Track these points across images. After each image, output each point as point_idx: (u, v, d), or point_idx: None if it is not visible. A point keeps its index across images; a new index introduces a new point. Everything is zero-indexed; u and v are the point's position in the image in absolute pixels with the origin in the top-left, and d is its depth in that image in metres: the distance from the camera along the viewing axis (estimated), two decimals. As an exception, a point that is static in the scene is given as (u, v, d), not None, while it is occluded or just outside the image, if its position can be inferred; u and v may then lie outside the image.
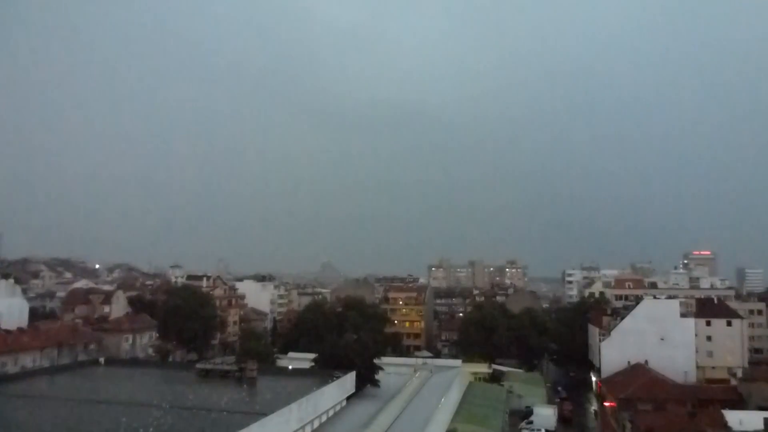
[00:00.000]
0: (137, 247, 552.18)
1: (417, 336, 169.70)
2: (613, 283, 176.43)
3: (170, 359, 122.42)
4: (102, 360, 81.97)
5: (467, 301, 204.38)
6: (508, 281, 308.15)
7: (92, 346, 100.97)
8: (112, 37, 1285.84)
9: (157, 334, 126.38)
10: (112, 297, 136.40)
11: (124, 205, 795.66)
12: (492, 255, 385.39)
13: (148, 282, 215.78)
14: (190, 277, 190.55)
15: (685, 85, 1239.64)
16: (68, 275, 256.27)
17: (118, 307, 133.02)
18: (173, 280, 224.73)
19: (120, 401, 53.86)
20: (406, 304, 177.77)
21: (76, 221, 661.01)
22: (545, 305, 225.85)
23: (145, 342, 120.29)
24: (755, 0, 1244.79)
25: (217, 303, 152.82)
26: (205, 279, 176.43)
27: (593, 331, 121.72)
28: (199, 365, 75.04)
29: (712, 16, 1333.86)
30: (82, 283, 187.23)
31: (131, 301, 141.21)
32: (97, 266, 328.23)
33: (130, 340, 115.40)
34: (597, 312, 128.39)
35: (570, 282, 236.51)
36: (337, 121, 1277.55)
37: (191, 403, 53.11)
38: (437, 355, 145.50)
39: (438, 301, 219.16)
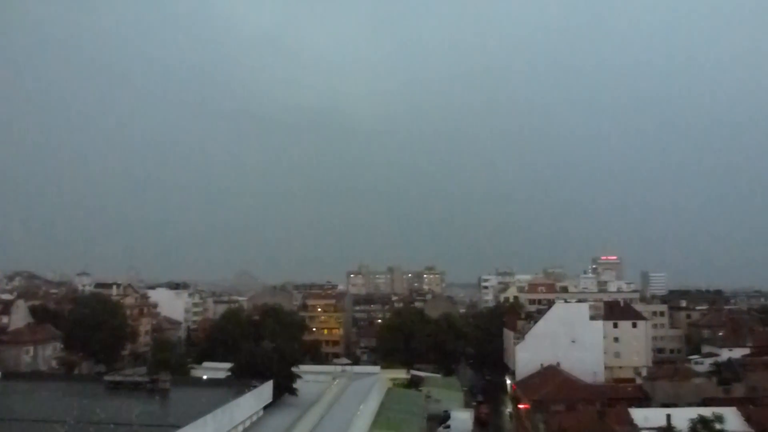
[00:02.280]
0: (41, 253, 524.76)
1: (336, 343, 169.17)
2: (526, 288, 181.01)
3: (76, 372, 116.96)
4: (-1, 374, 77.25)
5: (386, 307, 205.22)
6: (426, 287, 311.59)
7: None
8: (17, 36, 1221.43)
9: (62, 346, 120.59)
10: (11, 306, 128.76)
11: (26, 209, 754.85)
12: (410, 261, 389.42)
13: (53, 290, 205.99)
14: (98, 285, 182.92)
15: (596, 88, 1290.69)
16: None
17: (18, 318, 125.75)
18: (80, 288, 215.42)
19: (19, 418, 50.51)
20: (324, 312, 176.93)
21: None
22: (462, 310, 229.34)
23: (48, 354, 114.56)
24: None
25: (128, 312, 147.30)
26: (114, 287, 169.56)
27: (508, 335, 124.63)
28: (107, 377, 71.60)
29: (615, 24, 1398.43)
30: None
31: (33, 311, 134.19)
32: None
33: (31, 353, 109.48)
34: (512, 316, 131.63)
35: (486, 287, 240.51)
36: (253, 126, 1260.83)
37: (99, 418, 50.54)
38: (356, 362, 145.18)
39: (357, 307, 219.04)
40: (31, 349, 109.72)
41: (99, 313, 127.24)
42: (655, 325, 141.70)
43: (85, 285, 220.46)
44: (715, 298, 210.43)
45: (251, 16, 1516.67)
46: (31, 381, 77.08)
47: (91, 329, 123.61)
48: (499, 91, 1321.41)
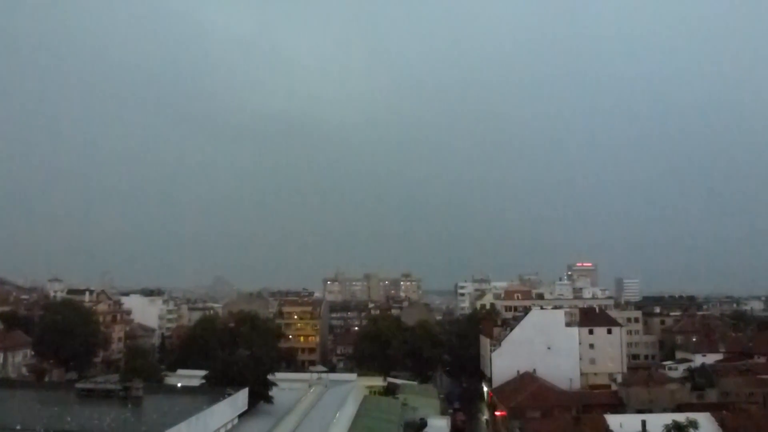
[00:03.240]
0: (12, 259, 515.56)
1: (312, 350, 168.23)
2: (503, 295, 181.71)
3: (47, 379, 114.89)
4: (-34, 382, 75.47)
5: (363, 314, 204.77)
6: (402, 294, 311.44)
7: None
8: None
9: (33, 353, 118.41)
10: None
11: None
12: (387, 268, 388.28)
13: (24, 296, 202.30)
14: (71, 292, 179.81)
15: (568, 99, 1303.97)
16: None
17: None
18: (52, 294, 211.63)
19: (-13, 427, 49.43)
20: (301, 319, 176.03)
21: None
22: (439, 317, 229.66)
23: (18, 361, 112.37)
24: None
25: (101, 319, 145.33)
26: (87, 293, 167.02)
27: (485, 342, 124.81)
28: (79, 385, 70.22)
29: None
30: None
31: (3, 317, 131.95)
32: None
33: (1, 359, 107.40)
34: (488, 323, 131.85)
35: (462, 294, 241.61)
36: (228, 131, 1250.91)
37: (69, 426, 49.48)
38: (332, 369, 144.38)
39: (334, 314, 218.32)
40: (1, 356, 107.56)
41: (71, 320, 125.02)
42: (629, 332, 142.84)
43: (57, 291, 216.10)
44: (688, 304, 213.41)
45: (226, 21, 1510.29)
46: (1, 388, 75.36)
47: (63, 336, 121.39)
48: (476, 99, 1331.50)
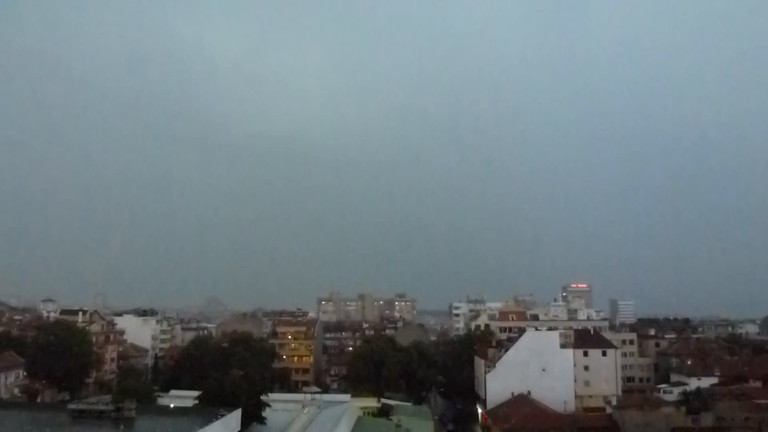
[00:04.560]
0: (4, 279, 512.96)
1: (306, 371, 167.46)
2: (497, 316, 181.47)
3: (39, 400, 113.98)
4: (-42, 402, 74.84)
5: (357, 335, 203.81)
6: (397, 314, 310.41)
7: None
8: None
9: (25, 373, 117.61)
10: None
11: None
12: (381, 288, 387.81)
13: (17, 317, 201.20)
14: (64, 312, 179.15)
15: (563, 119, 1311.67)
16: None
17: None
18: (45, 314, 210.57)
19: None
20: (295, 339, 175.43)
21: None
22: (433, 338, 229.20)
23: (10, 382, 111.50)
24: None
25: (94, 339, 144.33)
26: (80, 314, 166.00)
27: (479, 363, 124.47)
28: (71, 405, 69.60)
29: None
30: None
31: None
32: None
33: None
34: (483, 344, 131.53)
35: (457, 315, 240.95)
36: (220, 153, 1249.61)
37: (60, 448, 49.25)
38: (326, 390, 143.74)
39: (327, 335, 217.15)
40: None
41: (63, 340, 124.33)
42: (624, 354, 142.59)
43: (50, 311, 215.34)
44: (683, 326, 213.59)
45: (220, 43, 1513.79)
46: (-9, 409, 74.76)
47: (56, 356, 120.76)
48: (467, 121, 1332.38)
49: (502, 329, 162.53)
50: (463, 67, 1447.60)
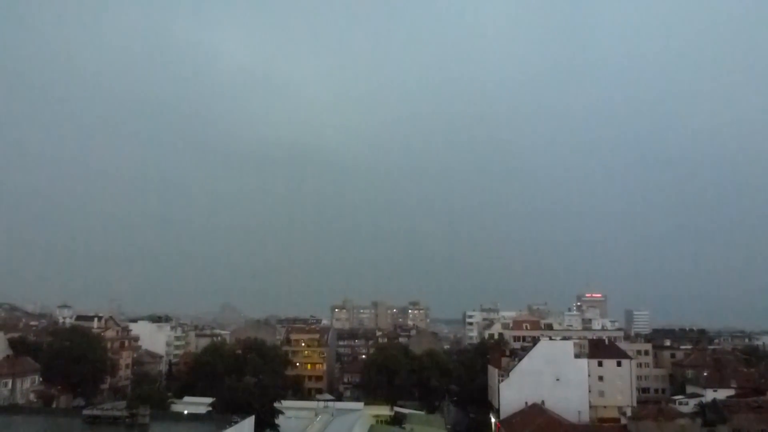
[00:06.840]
0: (22, 285, 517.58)
1: (319, 378, 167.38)
2: (511, 325, 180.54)
3: (55, 405, 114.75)
4: (-25, 407, 75.60)
5: (370, 342, 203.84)
6: (410, 322, 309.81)
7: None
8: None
9: (41, 379, 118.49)
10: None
11: (6, 240, 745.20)
12: (395, 296, 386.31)
13: (33, 323, 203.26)
14: (79, 318, 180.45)
15: (578, 128, 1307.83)
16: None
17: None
18: (61, 320, 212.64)
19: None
20: (308, 346, 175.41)
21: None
22: (447, 346, 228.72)
23: (26, 387, 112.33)
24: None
25: (109, 345, 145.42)
26: (96, 320, 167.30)
27: (493, 372, 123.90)
28: (86, 411, 70.30)
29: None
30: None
31: (12, 344, 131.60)
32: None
33: (9, 385, 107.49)
34: (496, 353, 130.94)
35: (470, 323, 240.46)
36: (235, 159, 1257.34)
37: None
38: (339, 397, 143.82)
39: (341, 342, 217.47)
40: (10, 382, 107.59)
41: (79, 346, 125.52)
42: (639, 364, 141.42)
43: (65, 317, 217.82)
44: (699, 337, 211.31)
45: (227, 50, 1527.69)
46: (9, 414, 75.44)
47: (71, 362, 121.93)
48: (482, 129, 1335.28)
49: (516, 338, 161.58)
50: (484, 73, 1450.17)
